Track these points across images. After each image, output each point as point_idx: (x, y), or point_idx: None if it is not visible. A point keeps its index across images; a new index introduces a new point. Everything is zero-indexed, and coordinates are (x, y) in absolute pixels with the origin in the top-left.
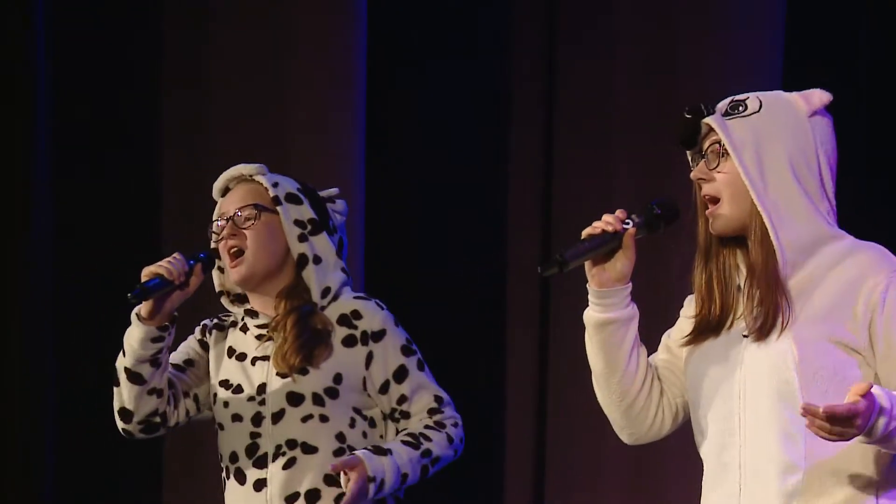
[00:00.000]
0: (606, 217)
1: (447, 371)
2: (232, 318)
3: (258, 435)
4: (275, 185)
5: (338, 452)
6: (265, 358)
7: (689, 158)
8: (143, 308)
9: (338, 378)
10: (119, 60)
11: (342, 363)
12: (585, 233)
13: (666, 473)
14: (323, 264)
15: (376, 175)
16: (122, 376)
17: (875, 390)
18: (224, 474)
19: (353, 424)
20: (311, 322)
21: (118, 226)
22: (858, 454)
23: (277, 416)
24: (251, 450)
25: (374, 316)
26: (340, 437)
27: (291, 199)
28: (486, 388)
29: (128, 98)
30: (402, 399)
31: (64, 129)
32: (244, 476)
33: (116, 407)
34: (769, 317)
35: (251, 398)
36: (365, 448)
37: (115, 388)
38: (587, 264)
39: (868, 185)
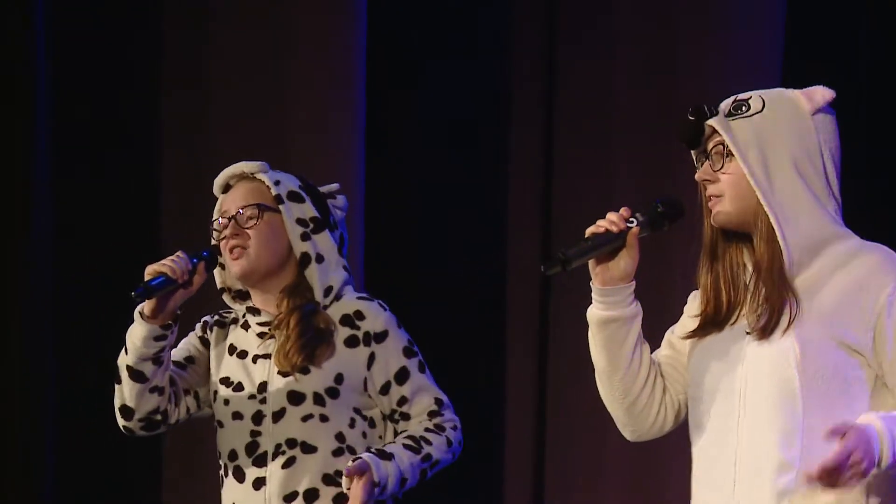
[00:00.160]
0: (610, 216)
1: (447, 371)
2: (233, 315)
3: (258, 433)
4: (276, 183)
5: (337, 452)
6: (267, 356)
7: (694, 158)
8: (146, 306)
9: (339, 378)
10: (119, 60)
11: (344, 363)
12: (589, 231)
13: (666, 473)
14: (325, 263)
15: (376, 175)
16: (124, 374)
17: (870, 419)
18: (222, 472)
19: (352, 424)
20: (314, 321)
21: (118, 226)
22: None
23: (278, 415)
24: (251, 448)
25: (377, 317)
26: (340, 437)
27: (293, 197)
28: (486, 388)
29: (128, 98)
30: (403, 401)
31: (64, 129)
32: (243, 474)
33: (117, 404)
34: (774, 315)
35: (252, 396)
36: (371, 452)
37: (116, 386)
38: (591, 263)
39: (868, 185)
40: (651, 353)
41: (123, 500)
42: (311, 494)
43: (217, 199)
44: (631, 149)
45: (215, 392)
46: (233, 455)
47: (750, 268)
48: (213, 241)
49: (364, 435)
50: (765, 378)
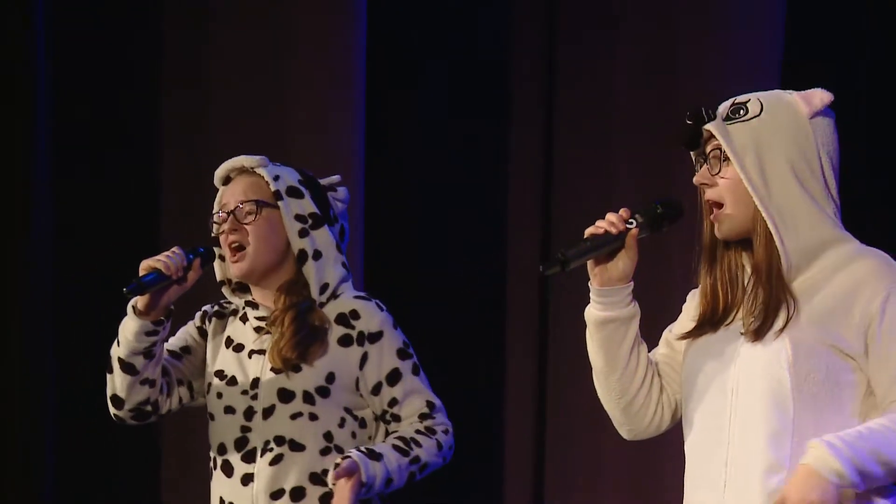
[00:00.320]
0: (610, 216)
1: (447, 371)
2: (233, 307)
3: (248, 429)
4: (276, 178)
5: (324, 451)
6: (262, 352)
7: (693, 159)
8: (139, 301)
9: (330, 377)
10: (119, 60)
11: (336, 362)
12: (588, 232)
13: (665, 473)
14: (323, 259)
15: (376, 175)
16: (116, 365)
17: (809, 447)
18: (211, 464)
19: (342, 424)
20: (309, 318)
21: (118, 226)
22: None
23: (268, 412)
24: (240, 443)
25: (372, 317)
26: (328, 436)
27: (293, 192)
28: (486, 388)
29: (128, 98)
30: (394, 402)
31: (64, 129)
32: (232, 469)
33: (109, 393)
34: (769, 317)
35: (244, 391)
36: (360, 451)
37: (108, 375)
38: (589, 263)
39: (868, 185)
40: (649, 352)
41: (123, 499)
42: (298, 493)
43: (217, 190)
44: (631, 149)
45: (209, 384)
46: (222, 449)
47: (749, 270)
48: (213, 234)
49: (353, 435)
50: (757, 379)
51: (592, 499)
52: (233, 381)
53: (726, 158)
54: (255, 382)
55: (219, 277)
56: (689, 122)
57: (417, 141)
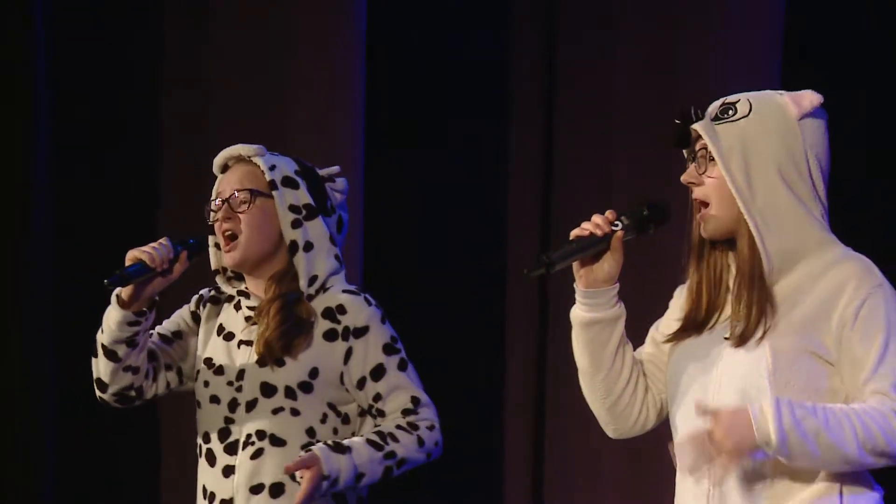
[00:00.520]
0: (595, 218)
1: (447, 371)
2: (229, 293)
3: (232, 421)
4: (272, 168)
5: (306, 447)
6: (250, 343)
7: (685, 157)
8: (124, 291)
9: (314, 373)
10: (119, 60)
11: (320, 357)
12: (573, 234)
13: (664, 474)
14: (314, 251)
15: (376, 175)
16: (99, 350)
17: (763, 404)
18: (197, 450)
19: (324, 420)
20: (296, 310)
21: (118, 226)
22: None
23: (251, 405)
24: (223, 434)
25: (359, 312)
26: (310, 431)
27: (288, 182)
28: (486, 388)
29: (128, 98)
30: (378, 397)
31: (64, 129)
32: (215, 459)
33: (94, 376)
34: (751, 322)
35: (230, 382)
36: (326, 444)
37: (93, 359)
38: (574, 265)
39: (868, 185)
40: (636, 349)
41: (123, 499)
42: (277, 489)
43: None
44: (631, 149)
45: (198, 371)
46: (207, 437)
47: (734, 270)
48: (209, 221)
49: (335, 431)
50: (737, 384)
51: (592, 499)
52: (220, 371)
53: (713, 158)
54: (241, 374)
55: (213, 266)
56: (677, 121)
57: (417, 141)
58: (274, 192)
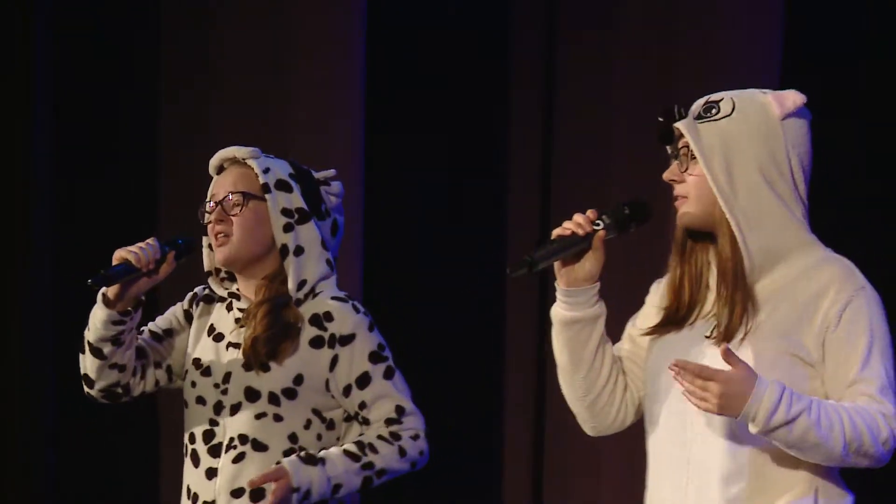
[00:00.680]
0: (577, 218)
1: (447, 371)
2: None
3: (216, 423)
4: (266, 170)
5: (288, 453)
6: (237, 345)
7: (669, 154)
8: (110, 290)
9: (298, 379)
10: (119, 60)
11: (305, 363)
12: (555, 233)
13: None
14: (304, 256)
15: (376, 175)
16: (86, 347)
17: (771, 380)
18: (184, 450)
19: (308, 426)
20: (283, 315)
21: (118, 226)
22: (801, 462)
23: (235, 409)
24: (208, 436)
25: (346, 319)
26: (293, 437)
27: (281, 186)
28: (486, 388)
29: (128, 98)
30: (363, 405)
31: (64, 129)
32: (199, 460)
33: (81, 372)
34: (733, 321)
35: (216, 384)
36: (298, 456)
37: (80, 355)
38: (556, 264)
39: (868, 186)
40: (614, 345)
41: (123, 499)
42: (258, 494)
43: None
44: (631, 149)
45: (186, 371)
46: (192, 438)
47: (714, 267)
48: (202, 222)
49: (319, 437)
50: None
51: (591, 498)
52: (207, 372)
53: (695, 157)
54: (227, 377)
55: (206, 267)
56: (660, 119)
57: (417, 141)
58: (267, 196)
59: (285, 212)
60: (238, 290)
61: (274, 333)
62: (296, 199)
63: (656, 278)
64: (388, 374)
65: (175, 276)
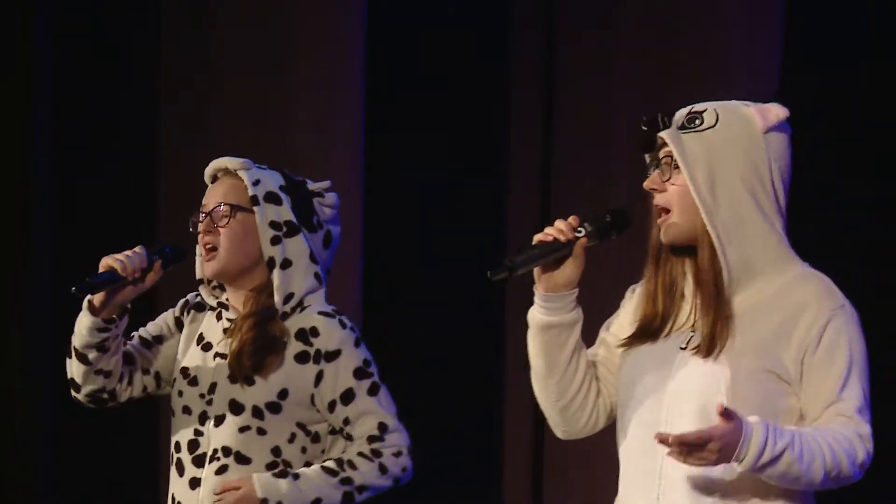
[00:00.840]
0: (559, 224)
1: (447, 371)
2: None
3: (201, 433)
4: (256, 182)
5: (271, 466)
6: (224, 356)
7: (647, 163)
8: (96, 297)
9: (283, 393)
10: (119, 60)
11: (290, 378)
12: (537, 239)
13: None
14: (291, 269)
15: (376, 175)
16: (72, 352)
17: (753, 420)
18: (170, 458)
19: (292, 440)
20: (269, 329)
21: (118, 226)
22: None
23: (219, 420)
24: (192, 446)
25: (331, 335)
26: (276, 451)
27: (271, 198)
28: (486, 388)
29: (128, 98)
30: (347, 421)
31: (64, 129)
32: (183, 469)
33: (68, 376)
34: (709, 334)
35: (202, 395)
36: (273, 472)
37: (67, 359)
38: (536, 269)
39: (867, 186)
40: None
41: (123, 499)
42: None
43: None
44: (631, 149)
45: (174, 379)
46: (178, 447)
47: (689, 278)
48: (193, 231)
49: (304, 450)
50: (693, 397)
51: (591, 498)
52: (194, 382)
53: (678, 166)
54: (213, 387)
55: (197, 276)
56: (644, 127)
57: (417, 141)
58: (255, 208)
59: (273, 224)
60: (227, 300)
61: (259, 347)
62: (285, 212)
63: (632, 283)
64: (372, 391)
65: (176, 278)
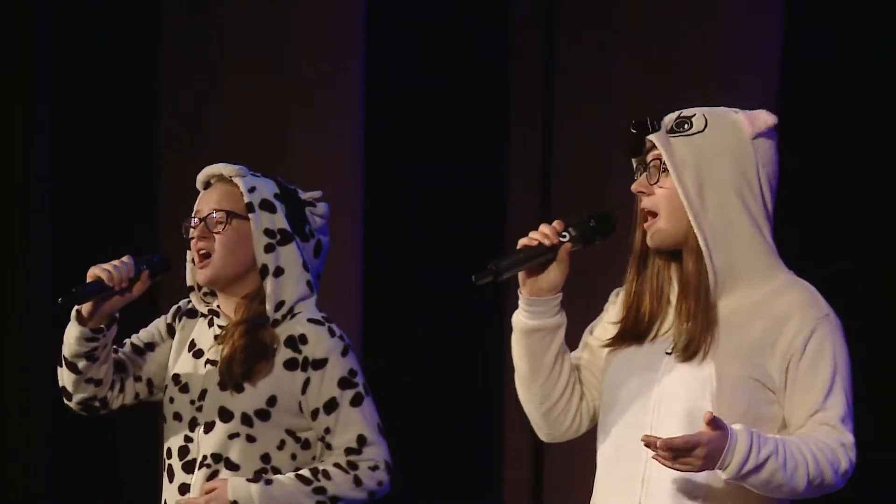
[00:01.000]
0: (544, 228)
1: (447, 371)
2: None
3: (191, 439)
4: (251, 190)
5: (260, 473)
6: (215, 363)
7: (634, 166)
8: (84, 306)
9: (272, 401)
10: (119, 60)
11: (279, 385)
12: (522, 243)
13: None
14: (283, 277)
15: (376, 175)
16: (62, 361)
17: (737, 427)
18: (161, 465)
19: (282, 446)
20: (260, 336)
21: (118, 226)
22: None
23: (209, 427)
24: (182, 452)
25: (319, 343)
26: (265, 458)
27: (265, 206)
28: (485, 388)
29: (128, 98)
30: (328, 430)
31: (64, 129)
32: (174, 475)
33: (60, 384)
34: (695, 339)
35: (192, 401)
36: (249, 477)
37: (58, 368)
38: (520, 274)
39: (867, 186)
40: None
41: (123, 499)
42: None
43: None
44: None
45: (166, 385)
46: (169, 453)
47: (675, 282)
48: (185, 237)
49: (294, 457)
50: (679, 401)
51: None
52: (185, 389)
53: (666, 169)
54: (203, 394)
55: (189, 282)
56: (633, 130)
57: (417, 141)
58: (250, 215)
59: (268, 232)
60: (219, 306)
61: (249, 354)
62: (279, 220)
63: (615, 287)
64: (355, 401)
65: (180, 282)
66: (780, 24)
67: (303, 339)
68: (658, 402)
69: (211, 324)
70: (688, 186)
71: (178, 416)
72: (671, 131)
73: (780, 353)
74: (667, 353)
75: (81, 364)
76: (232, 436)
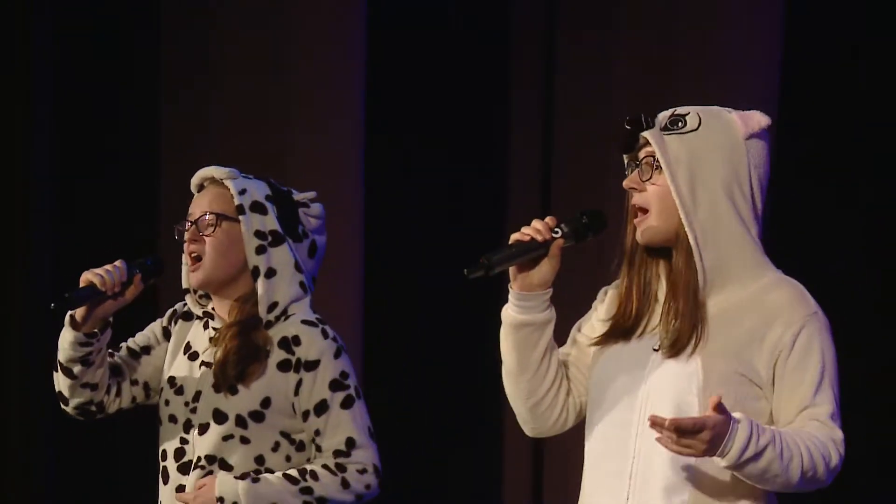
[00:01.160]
0: (536, 224)
1: (447, 371)
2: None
3: (186, 441)
4: (242, 192)
5: (254, 474)
6: (210, 365)
7: (625, 163)
8: (78, 311)
9: (265, 402)
10: (119, 60)
11: (272, 386)
12: (514, 238)
13: None
14: (276, 278)
15: (376, 175)
16: (58, 366)
17: (738, 415)
18: (158, 467)
19: (276, 448)
20: (253, 338)
21: (118, 226)
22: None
23: (203, 429)
24: (178, 454)
25: (312, 345)
26: (259, 459)
27: (256, 208)
28: (485, 388)
29: (128, 98)
30: (318, 432)
31: (64, 129)
32: (168, 477)
33: (56, 389)
34: (683, 336)
35: (186, 403)
36: (240, 474)
37: (54, 373)
38: (512, 268)
39: (868, 186)
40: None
41: (122, 499)
42: None
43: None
44: None
45: (161, 388)
46: (164, 455)
47: (664, 281)
48: (178, 239)
49: (288, 458)
50: (666, 397)
51: None
52: (180, 391)
53: (658, 166)
54: (197, 396)
55: (183, 285)
56: (627, 126)
57: (417, 141)
58: (241, 217)
59: (259, 234)
60: (213, 309)
61: (242, 356)
62: (270, 222)
63: (604, 284)
64: (346, 404)
65: (173, 285)
66: (780, 24)
67: (296, 340)
68: (645, 398)
69: (206, 326)
70: (680, 184)
71: (173, 419)
72: (665, 129)
73: (767, 349)
74: (654, 350)
75: (77, 369)
76: (226, 437)
